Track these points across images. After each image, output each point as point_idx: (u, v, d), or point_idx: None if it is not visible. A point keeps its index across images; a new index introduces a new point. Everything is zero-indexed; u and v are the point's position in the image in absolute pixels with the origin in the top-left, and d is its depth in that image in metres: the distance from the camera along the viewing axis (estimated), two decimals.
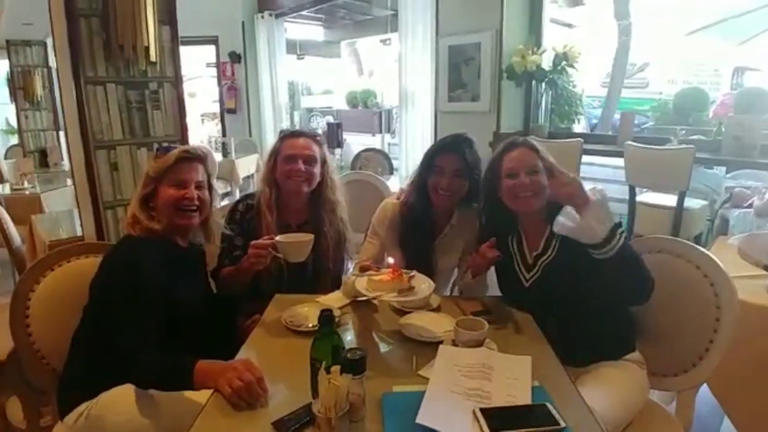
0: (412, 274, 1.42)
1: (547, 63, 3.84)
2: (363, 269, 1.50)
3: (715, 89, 7.41)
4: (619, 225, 1.34)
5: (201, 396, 1.14)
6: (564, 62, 3.77)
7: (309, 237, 1.55)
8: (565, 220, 1.36)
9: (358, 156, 4.60)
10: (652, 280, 1.36)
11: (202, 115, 9.15)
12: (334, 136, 5.41)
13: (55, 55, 2.36)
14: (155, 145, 2.34)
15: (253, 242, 1.54)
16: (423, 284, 1.40)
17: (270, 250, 1.52)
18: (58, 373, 1.49)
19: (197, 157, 1.53)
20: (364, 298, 1.46)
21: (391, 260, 1.47)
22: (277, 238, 1.53)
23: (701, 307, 1.47)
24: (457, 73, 4.23)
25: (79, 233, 2.73)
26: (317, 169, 1.79)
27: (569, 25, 6.03)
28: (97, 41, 2.20)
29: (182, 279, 1.48)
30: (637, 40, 6.56)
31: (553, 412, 1.01)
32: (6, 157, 6.23)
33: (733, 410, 1.75)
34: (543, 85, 3.98)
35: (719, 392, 1.74)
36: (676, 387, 1.55)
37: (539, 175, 1.51)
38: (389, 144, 7.51)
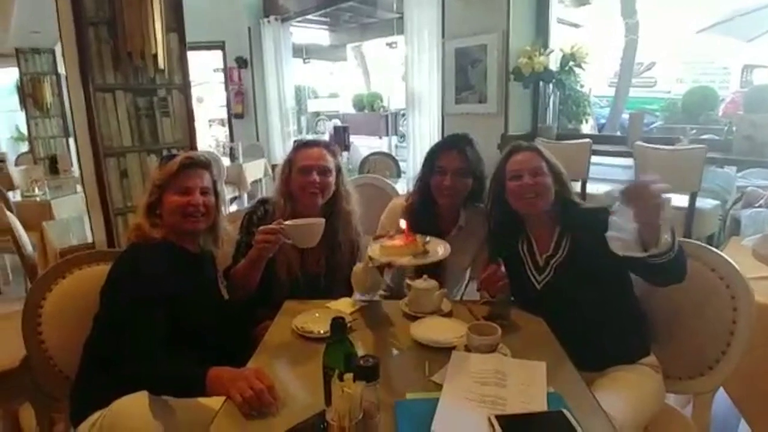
0: (427, 239, 1.42)
1: (554, 63, 3.83)
2: (377, 239, 1.49)
3: (725, 87, 7.34)
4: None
5: (215, 403, 1.14)
6: (571, 62, 3.76)
7: (319, 221, 1.51)
8: (617, 234, 1.23)
9: (366, 160, 4.61)
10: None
11: (209, 120, 9.20)
12: (341, 139, 5.42)
13: (65, 63, 2.37)
14: (164, 152, 2.35)
15: (262, 227, 1.52)
16: (438, 247, 1.40)
17: (279, 236, 1.48)
18: (70, 380, 1.50)
19: (201, 164, 1.53)
20: (366, 300, 1.44)
21: (403, 224, 1.45)
22: (286, 222, 1.49)
23: (717, 309, 1.45)
24: (464, 75, 4.22)
25: (89, 239, 2.74)
26: (332, 179, 1.78)
27: (576, 25, 6.00)
28: (105, 49, 2.22)
29: (191, 284, 1.48)
30: (644, 38, 6.51)
31: (570, 419, 1.00)
32: (16, 164, 6.29)
33: (750, 413, 1.72)
34: (551, 86, 3.96)
35: (736, 395, 1.72)
36: (692, 390, 1.53)
37: (543, 177, 1.52)
38: (396, 146, 7.51)
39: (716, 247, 1.54)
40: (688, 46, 7.84)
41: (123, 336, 1.28)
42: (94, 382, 1.38)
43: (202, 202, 1.49)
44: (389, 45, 6.95)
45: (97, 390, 1.35)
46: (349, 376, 0.96)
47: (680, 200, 3.31)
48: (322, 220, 1.52)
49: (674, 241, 1.22)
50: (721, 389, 1.65)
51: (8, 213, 3.18)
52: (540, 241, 1.58)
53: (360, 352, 1.17)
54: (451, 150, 1.73)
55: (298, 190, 1.75)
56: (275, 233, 1.48)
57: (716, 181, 3.63)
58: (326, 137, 7.42)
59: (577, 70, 3.84)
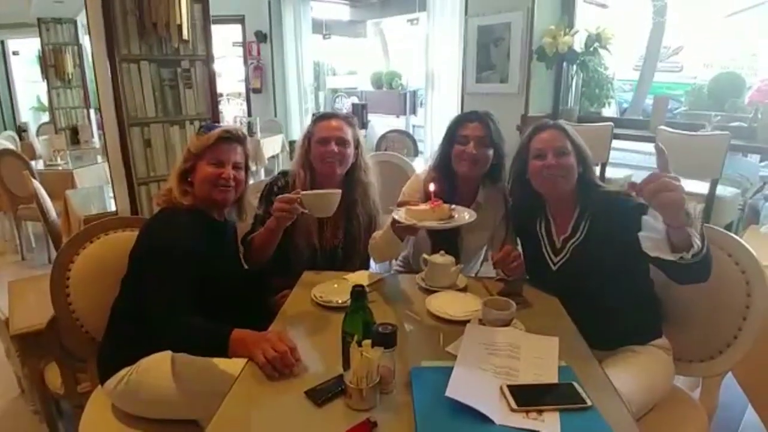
0: (453, 206, 1.45)
1: (579, 44, 3.76)
2: (401, 205, 1.51)
3: (753, 74, 7.12)
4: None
5: (236, 364, 1.19)
6: (597, 44, 3.69)
7: (336, 191, 1.53)
8: (650, 234, 1.18)
9: (383, 137, 4.59)
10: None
11: (227, 95, 9.18)
12: (359, 117, 5.41)
13: (88, 34, 2.40)
14: (187, 123, 2.39)
15: (280, 196, 1.54)
16: (465, 213, 1.44)
17: (296, 205, 1.50)
18: (96, 341, 1.56)
19: (237, 139, 1.57)
20: (383, 273, 1.44)
21: (432, 186, 1.47)
22: (303, 192, 1.51)
23: (731, 294, 1.46)
24: (486, 54, 4.17)
25: (109, 209, 2.81)
26: (350, 151, 1.79)
27: (603, 5, 5.86)
28: (131, 19, 2.23)
29: (216, 251, 1.53)
30: (672, 21, 6.34)
31: (580, 390, 1.03)
32: (37, 134, 6.38)
33: (758, 399, 1.73)
34: (574, 67, 3.90)
35: (745, 380, 1.73)
36: (701, 373, 1.55)
37: (567, 157, 1.50)
38: (414, 126, 7.46)
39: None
40: (717, 30, 7.61)
41: (152, 293, 1.32)
42: (121, 342, 1.44)
43: (233, 176, 1.53)
44: (410, 21, 6.84)
45: (124, 349, 1.41)
46: (367, 341, 1.00)
47: (700, 187, 3.27)
48: (339, 191, 1.53)
49: (703, 245, 1.16)
50: (731, 374, 1.66)
51: (33, 181, 3.26)
52: (559, 223, 1.58)
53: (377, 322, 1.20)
54: (472, 120, 1.73)
55: (317, 161, 1.77)
56: (292, 202, 1.50)
57: (739, 170, 3.58)
58: None
59: (602, 51, 3.78)
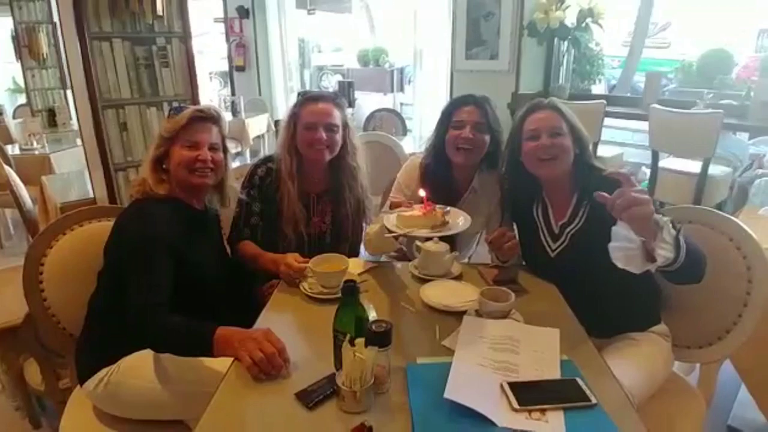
0: (447, 209, 1.39)
1: (570, 20, 3.67)
2: (394, 206, 1.45)
3: (740, 52, 7.10)
4: (678, 229, 1.13)
5: (221, 363, 1.13)
6: (589, 18, 3.60)
7: (344, 267, 1.43)
8: (621, 245, 1.13)
9: (371, 116, 4.49)
10: (706, 257, 1.24)
11: (210, 73, 8.94)
12: (345, 95, 5.26)
13: (58, 10, 2.26)
14: (165, 105, 2.27)
15: (288, 262, 1.48)
16: (459, 218, 1.38)
17: (305, 275, 1.47)
18: (74, 338, 1.48)
19: (211, 118, 1.47)
20: (375, 261, 1.40)
21: (422, 192, 1.41)
22: (311, 265, 1.43)
23: (732, 279, 1.42)
24: (476, 30, 4.06)
25: (91, 194, 2.70)
26: (339, 135, 1.71)
27: None
28: None
29: (197, 242, 1.45)
30: None
31: (584, 387, 0.98)
32: (14, 117, 6.16)
33: (754, 384, 1.72)
34: (566, 43, 3.82)
35: (741, 365, 1.71)
36: (700, 360, 1.52)
37: (562, 138, 1.44)
38: (401, 104, 7.34)
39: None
40: (705, 6, 7.55)
41: (129, 287, 1.24)
42: (99, 340, 1.37)
43: (210, 157, 1.44)
44: None
45: (102, 348, 1.34)
46: (360, 341, 0.94)
47: (692, 166, 3.25)
48: (346, 266, 1.45)
49: (678, 254, 1.11)
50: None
51: (6, 167, 3.11)
52: (556, 208, 1.52)
53: (370, 315, 1.14)
54: (468, 104, 1.66)
55: (305, 147, 1.69)
56: (298, 272, 1.46)
57: (730, 148, 3.55)
58: None
59: (593, 27, 3.70)
